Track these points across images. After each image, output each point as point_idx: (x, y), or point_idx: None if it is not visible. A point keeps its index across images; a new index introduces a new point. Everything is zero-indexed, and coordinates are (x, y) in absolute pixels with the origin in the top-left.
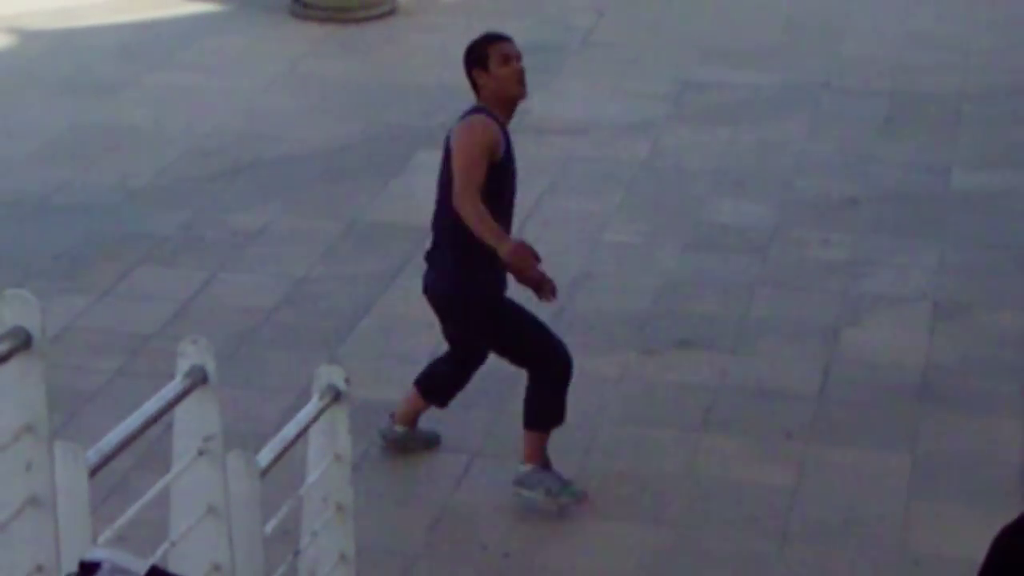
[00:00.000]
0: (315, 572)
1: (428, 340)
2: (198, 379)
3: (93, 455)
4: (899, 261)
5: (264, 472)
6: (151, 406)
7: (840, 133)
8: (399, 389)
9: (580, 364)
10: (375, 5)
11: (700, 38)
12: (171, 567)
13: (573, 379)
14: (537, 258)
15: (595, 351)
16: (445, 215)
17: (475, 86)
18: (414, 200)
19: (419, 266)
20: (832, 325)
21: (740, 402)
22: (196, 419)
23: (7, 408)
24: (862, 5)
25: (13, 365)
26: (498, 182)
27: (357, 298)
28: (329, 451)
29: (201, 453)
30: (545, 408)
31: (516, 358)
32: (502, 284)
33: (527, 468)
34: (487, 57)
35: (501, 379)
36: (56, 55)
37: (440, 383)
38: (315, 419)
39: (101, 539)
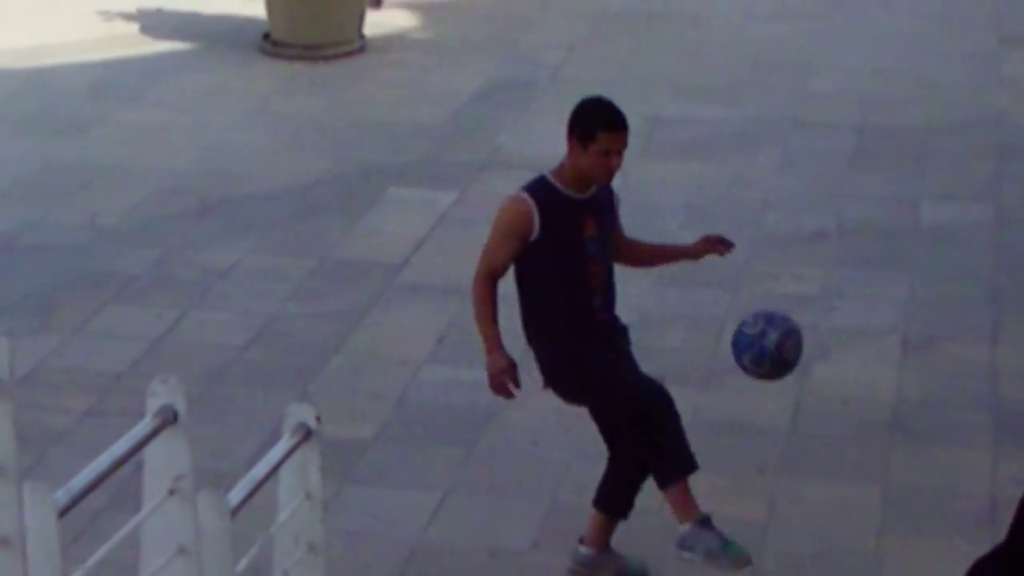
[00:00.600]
0: None
1: (399, 377)
2: (168, 418)
3: (62, 495)
4: (869, 294)
5: (235, 511)
6: (121, 446)
7: (809, 168)
8: (371, 427)
9: (551, 401)
10: (344, 43)
11: (669, 74)
12: None
13: (548, 416)
14: (516, 384)
15: None
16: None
17: (567, 145)
18: (384, 237)
19: (390, 302)
20: (802, 359)
21: (711, 437)
22: (166, 459)
23: None
24: (829, 41)
25: None
26: (552, 259)
27: (327, 336)
28: (300, 490)
29: (172, 493)
30: (669, 457)
31: (612, 411)
32: (576, 338)
33: (686, 528)
34: (593, 139)
35: (473, 415)
36: (25, 94)
37: (609, 490)
38: (286, 458)
39: None
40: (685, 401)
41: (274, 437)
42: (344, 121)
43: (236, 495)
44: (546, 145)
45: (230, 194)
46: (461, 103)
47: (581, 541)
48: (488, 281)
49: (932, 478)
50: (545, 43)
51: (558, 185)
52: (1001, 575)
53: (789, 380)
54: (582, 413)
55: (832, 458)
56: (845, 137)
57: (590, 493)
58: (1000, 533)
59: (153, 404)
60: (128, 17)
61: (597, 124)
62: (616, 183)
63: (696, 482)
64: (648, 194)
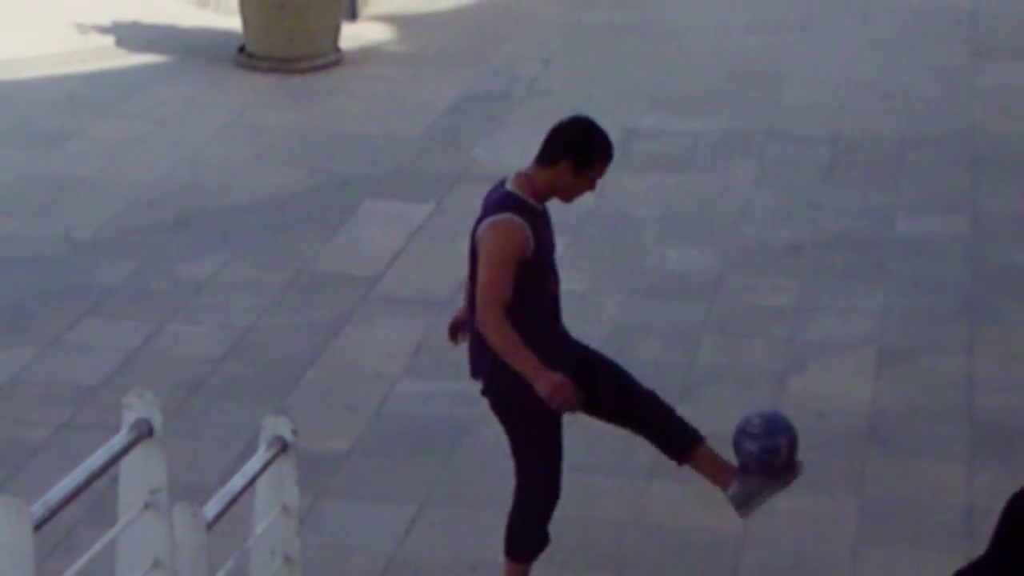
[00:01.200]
0: None
1: (375, 390)
2: (144, 432)
3: (38, 509)
4: (844, 306)
5: (211, 524)
6: (96, 459)
7: (784, 180)
8: (347, 439)
9: None
10: (320, 55)
11: (645, 86)
12: None
13: None
14: (581, 393)
15: None
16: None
17: (549, 161)
18: (360, 250)
19: (366, 314)
20: (778, 371)
21: None
22: (142, 472)
23: None
24: (805, 53)
25: None
26: (536, 275)
27: (304, 348)
28: (276, 503)
29: (147, 506)
30: (528, 536)
31: (522, 464)
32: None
33: None
34: (591, 167)
35: (449, 428)
36: (0, 107)
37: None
38: (262, 470)
39: None
40: None
41: (250, 450)
42: (320, 133)
43: (212, 508)
44: (521, 156)
45: (206, 207)
46: (437, 115)
47: None
48: (500, 307)
49: (908, 489)
50: (520, 55)
51: (530, 201)
52: None
53: (765, 392)
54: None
55: (808, 470)
56: (821, 149)
57: (568, 506)
58: (977, 544)
59: (129, 417)
60: (103, 30)
61: (601, 154)
62: (592, 195)
63: (673, 494)
64: (624, 206)
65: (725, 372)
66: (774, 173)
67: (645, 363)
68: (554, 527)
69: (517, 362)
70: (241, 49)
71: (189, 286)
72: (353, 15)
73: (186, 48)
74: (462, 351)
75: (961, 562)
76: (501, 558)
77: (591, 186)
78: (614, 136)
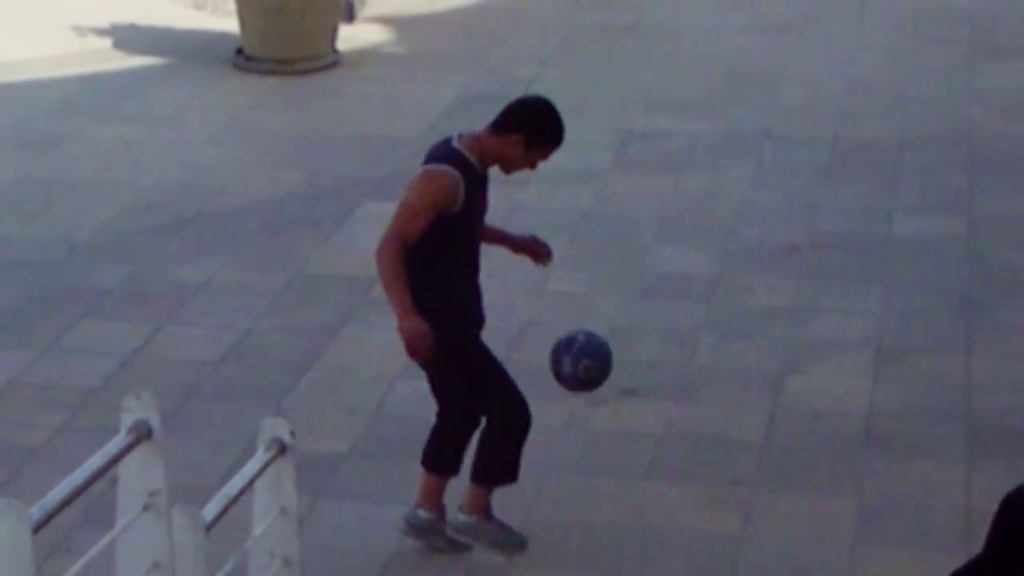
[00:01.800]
0: None
1: (373, 392)
2: (142, 434)
3: (36, 512)
4: (842, 307)
5: (209, 527)
6: (95, 461)
7: (782, 180)
8: (345, 441)
9: None
10: (318, 57)
11: (642, 88)
12: None
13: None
14: (431, 346)
15: (540, 400)
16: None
17: (502, 130)
18: (358, 251)
19: (364, 318)
20: (776, 372)
21: (685, 450)
22: (140, 474)
23: None
24: (802, 54)
25: None
26: (452, 232)
27: (302, 350)
28: (275, 504)
29: (146, 508)
30: (498, 463)
31: (477, 402)
32: (469, 324)
33: (469, 519)
34: (541, 147)
35: None
36: None
37: (438, 451)
38: (260, 472)
39: None
40: (659, 414)
41: (248, 452)
42: (317, 135)
43: (211, 510)
44: None
45: (203, 209)
46: (434, 117)
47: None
48: (401, 243)
49: (906, 490)
50: (518, 57)
51: (472, 160)
52: None
53: (763, 393)
54: (557, 428)
55: (806, 471)
56: (818, 150)
57: (566, 507)
58: (974, 544)
59: (127, 420)
60: (101, 32)
61: (553, 139)
62: (590, 197)
63: (670, 494)
64: (621, 207)
65: (723, 373)
66: (772, 174)
67: (644, 364)
68: (553, 528)
69: (392, 297)
70: (239, 51)
71: (187, 288)
72: (351, 17)
73: (183, 50)
74: None
75: (959, 562)
76: (497, 559)
77: (533, 165)
78: (612, 137)
